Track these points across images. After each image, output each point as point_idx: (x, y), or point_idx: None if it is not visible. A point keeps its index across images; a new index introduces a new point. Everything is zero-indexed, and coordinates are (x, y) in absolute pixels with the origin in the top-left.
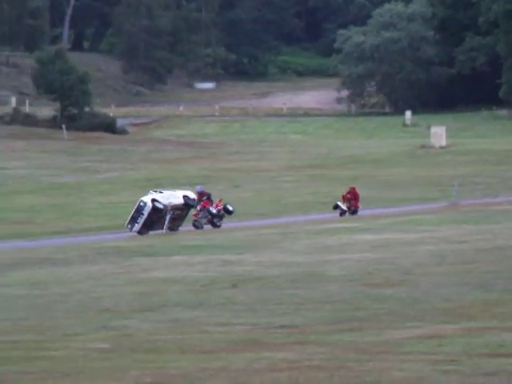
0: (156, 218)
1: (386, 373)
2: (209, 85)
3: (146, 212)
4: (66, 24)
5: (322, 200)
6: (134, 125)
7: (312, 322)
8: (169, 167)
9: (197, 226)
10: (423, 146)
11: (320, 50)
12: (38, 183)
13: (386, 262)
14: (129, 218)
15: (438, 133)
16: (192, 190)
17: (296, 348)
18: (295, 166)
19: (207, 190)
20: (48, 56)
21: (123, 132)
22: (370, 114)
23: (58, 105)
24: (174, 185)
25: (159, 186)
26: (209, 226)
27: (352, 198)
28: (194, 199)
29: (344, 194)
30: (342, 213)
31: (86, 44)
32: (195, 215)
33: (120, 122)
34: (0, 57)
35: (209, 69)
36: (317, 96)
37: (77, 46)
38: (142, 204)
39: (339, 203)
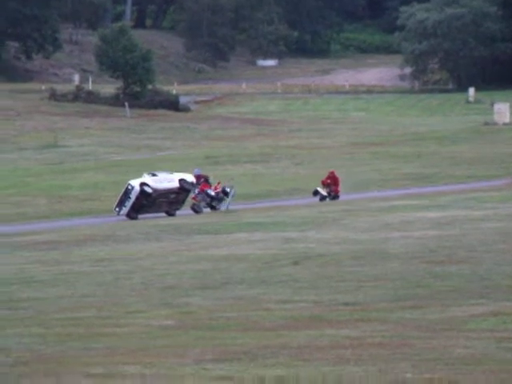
0: (147, 201)
1: (449, 350)
2: (271, 62)
3: (133, 196)
4: (129, 1)
5: (384, 177)
6: (197, 102)
7: (374, 299)
8: (231, 145)
9: (195, 209)
10: (487, 123)
11: (382, 26)
12: (101, 160)
13: (448, 240)
14: (117, 201)
15: (502, 109)
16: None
17: (358, 325)
18: (357, 143)
19: (269, 167)
20: (111, 33)
21: (186, 109)
22: (432, 91)
23: (120, 82)
24: (236, 162)
25: (218, 163)
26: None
27: (332, 183)
28: (191, 183)
29: (323, 179)
30: (322, 198)
31: (148, 21)
32: (194, 198)
33: (182, 100)
34: (63, 34)
35: (271, 46)
36: (379, 73)
37: (139, 23)
38: (129, 187)
39: (319, 189)
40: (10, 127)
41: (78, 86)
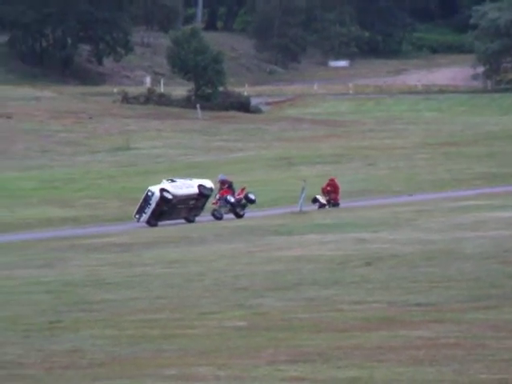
0: (167, 208)
1: None
2: (343, 63)
3: (153, 202)
4: (200, 3)
5: (457, 177)
6: (268, 104)
7: (448, 299)
8: (303, 146)
9: (216, 215)
10: None
11: (454, 26)
12: (173, 162)
13: None
14: (137, 207)
15: None
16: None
17: (432, 326)
18: (430, 143)
19: (341, 168)
20: (183, 36)
21: (257, 111)
22: (506, 91)
23: (192, 84)
24: (308, 163)
25: (292, 164)
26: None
27: (332, 191)
28: (210, 188)
29: (323, 186)
30: (321, 206)
31: (219, 23)
32: (214, 204)
33: (254, 101)
34: (135, 37)
35: (343, 47)
36: (451, 73)
37: (210, 25)
38: (149, 194)
39: (318, 196)
40: (83, 130)
41: (149, 89)
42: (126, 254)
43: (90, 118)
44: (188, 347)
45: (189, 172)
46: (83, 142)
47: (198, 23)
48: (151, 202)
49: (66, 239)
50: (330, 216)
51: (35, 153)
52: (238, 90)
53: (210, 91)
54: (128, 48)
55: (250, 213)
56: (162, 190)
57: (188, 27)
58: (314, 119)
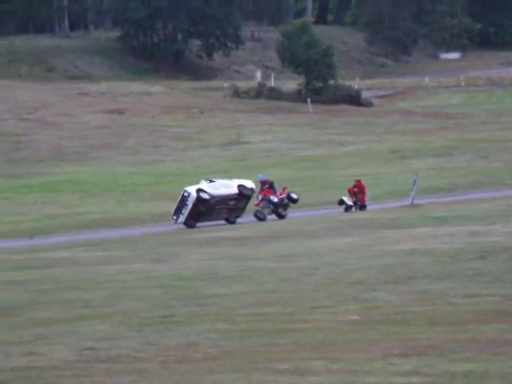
0: (205, 208)
1: None
2: (454, 55)
3: (190, 203)
4: None
5: None
6: (379, 97)
7: None
8: (414, 139)
9: (259, 216)
10: None
11: None
12: (284, 156)
13: None
14: (174, 208)
15: None
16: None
17: None
18: None
19: (453, 160)
20: (293, 29)
21: (368, 104)
22: None
23: (302, 78)
24: (420, 156)
25: (404, 157)
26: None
27: (358, 192)
28: (251, 189)
29: (350, 187)
30: (348, 208)
31: (329, 17)
32: (257, 205)
33: (365, 95)
34: (245, 32)
35: (454, 39)
36: None
37: (320, 19)
38: (185, 194)
39: (344, 198)
40: (194, 125)
41: (260, 83)
42: (240, 248)
43: (201, 112)
44: (300, 341)
45: (299, 165)
46: (194, 136)
47: (309, 17)
48: (188, 202)
49: (179, 233)
50: (442, 209)
51: (147, 148)
52: (348, 83)
53: (320, 85)
54: (238, 42)
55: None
56: (199, 191)
57: (298, 21)
58: (425, 112)
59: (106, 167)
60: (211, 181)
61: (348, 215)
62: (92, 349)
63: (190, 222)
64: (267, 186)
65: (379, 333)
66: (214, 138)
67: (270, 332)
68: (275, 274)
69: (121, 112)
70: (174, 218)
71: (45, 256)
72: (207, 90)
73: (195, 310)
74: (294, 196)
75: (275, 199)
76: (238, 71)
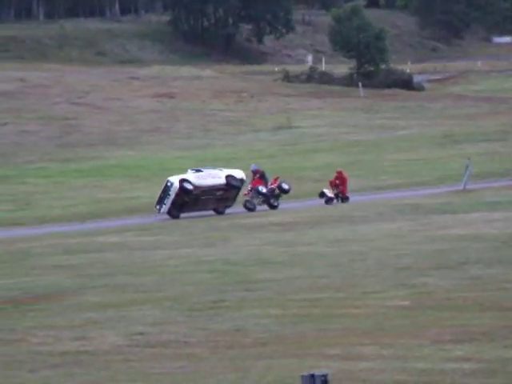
0: (189, 198)
1: None
2: (507, 39)
3: (172, 193)
4: None
5: None
6: (431, 81)
7: None
8: (466, 123)
9: (248, 206)
10: None
11: None
12: (335, 141)
13: None
14: (156, 198)
15: None
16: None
17: None
18: None
19: (506, 145)
20: (344, 13)
21: (420, 88)
22: None
23: (354, 62)
24: (472, 141)
25: (456, 142)
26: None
27: (340, 184)
28: (240, 179)
29: (331, 179)
30: (329, 200)
31: (381, 0)
32: (246, 195)
33: (417, 79)
34: (296, 15)
35: (507, 22)
36: None
37: (372, 2)
38: (168, 184)
39: (325, 190)
40: (245, 109)
41: (311, 67)
42: (289, 233)
43: (252, 96)
44: (351, 327)
45: (350, 150)
46: (245, 121)
47: (360, 0)
48: (170, 192)
49: (229, 218)
50: (495, 194)
51: (197, 132)
52: (400, 67)
53: (372, 69)
54: (289, 27)
55: (411, 192)
56: (182, 181)
57: (349, 4)
58: (478, 96)
59: (155, 151)
60: (198, 170)
61: (399, 200)
62: (142, 334)
63: (174, 212)
64: (258, 175)
65: (430, 318)
66: (265, 122)
67: (321, 317)
68: (325, 259)
69: (171, 96)
70: (157, 207)
71: (95, 240)
72: (258, 74)
73: (245, 295)
74: (286, 186)
75: (263, 190)
76: (288, 55)
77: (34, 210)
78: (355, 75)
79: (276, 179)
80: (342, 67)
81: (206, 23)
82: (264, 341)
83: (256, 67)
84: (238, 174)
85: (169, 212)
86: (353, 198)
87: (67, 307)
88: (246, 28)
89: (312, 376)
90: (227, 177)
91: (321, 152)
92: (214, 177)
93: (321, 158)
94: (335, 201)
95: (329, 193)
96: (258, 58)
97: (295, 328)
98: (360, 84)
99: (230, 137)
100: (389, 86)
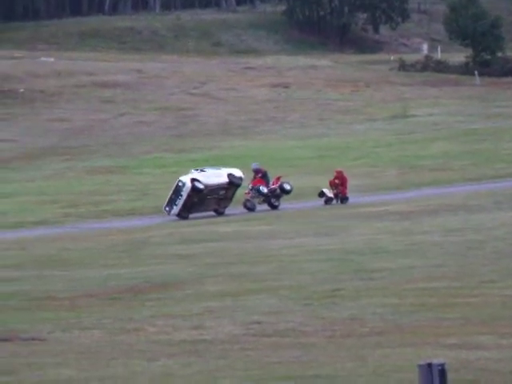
0: (198, 198)
1: None
2: None
3: (184, 193)
4: None
5: None
6: None
7: None
8: None
9: (248, 206)
10: None
11: None
12: (451, 130)
13: None
14: (167, 199)
15: None
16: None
17: None
18: None
19: None
20: (460, 1)
21: None
22: None
23: (470, 51)
24: None
25: None
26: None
27: (339, 184)
28: (240, 178)
29: (331, 179)
30: (328, 200)
31: None
32: (247, 194)
33: None
34: (411, 4)
35: None
36: None
37: None
38: (180, 184)
39: (325, 190)
40: (360, 98)
41: (427, 56)
42: (404, 222)
43: (367, 86)
44: (469, 316)
45: (467, 139)
46: (360, 110)
47: None
48: (182, 192)
49: (344, 208)
50: None
51: (312, 121)
52: None
53: (488, 57)
54: (405, 15)
55: None
56: (193, 180)
57: None
58: None
59: (271, 141)
60: (202, 170)
61: None
62: (258, 323)
63: (184, 214)
64: (260, 175)
65: None
66: (380, 111)
67: (438, 307)
68: (442, 248)
69: (286, 86)
70: (167, 209)
71: (211, 230)
72: (373, 64)
73: (362, 285)
74: (287, 187)
75: (264, 190)
76: (404, 44)
77: (151, 199)
78: (471, 63)
79: (278, 179)
80: (458, 56)
81: (321, 13)
82: (380, 330)
83: (371, 56)
84: (237, 172)
85: (179, 214)
86: (465, 187)
87: (185, 296)
88: (361, 17)
89: (429, 365)
90: (228, 175)
91: (437, 141)
92: (217, 176)
93: (437, 147)
94: (334, 201)
95: (328, 193)
96: (373, 47)
97: (412, 317)
98: (476, 72)
99: (345, 126)
100: (506, 75)
